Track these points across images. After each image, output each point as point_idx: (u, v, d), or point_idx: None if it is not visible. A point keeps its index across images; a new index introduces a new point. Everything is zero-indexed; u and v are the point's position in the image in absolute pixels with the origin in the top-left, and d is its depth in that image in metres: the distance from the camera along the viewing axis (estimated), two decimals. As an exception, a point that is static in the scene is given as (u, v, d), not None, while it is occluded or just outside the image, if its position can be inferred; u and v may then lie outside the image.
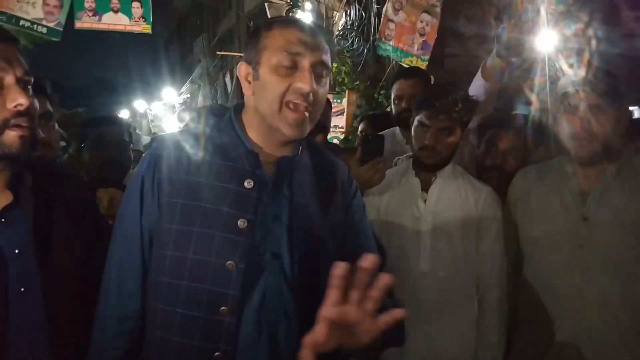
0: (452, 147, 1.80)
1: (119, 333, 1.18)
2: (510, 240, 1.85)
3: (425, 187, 1.84)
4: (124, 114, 20.18)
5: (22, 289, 1.06)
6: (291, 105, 1.14)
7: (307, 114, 1.15)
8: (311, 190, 1.24)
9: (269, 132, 1.20)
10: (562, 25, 2.48)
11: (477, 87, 2.02)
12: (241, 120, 1.24)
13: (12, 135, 1.03)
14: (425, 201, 1.82)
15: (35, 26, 3.99)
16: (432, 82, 2.62)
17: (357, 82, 5.92)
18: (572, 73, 1.79)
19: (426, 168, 1.83)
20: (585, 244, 1.67)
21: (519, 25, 1.90)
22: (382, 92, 5.51)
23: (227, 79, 10.69)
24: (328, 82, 1.21)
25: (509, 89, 2.61)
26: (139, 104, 17.63)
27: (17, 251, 1.07)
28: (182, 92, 13.89)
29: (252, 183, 1.17)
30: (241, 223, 1.14)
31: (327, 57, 1.18)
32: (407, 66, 4.34)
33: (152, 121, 15.72)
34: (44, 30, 4.00)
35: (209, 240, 1.14)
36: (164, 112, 14.06)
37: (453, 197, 1.82)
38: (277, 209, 1.18)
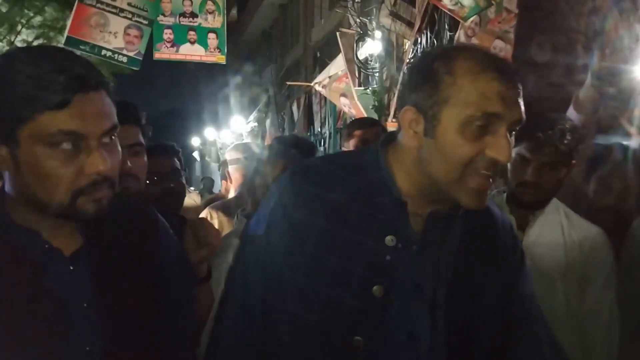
0: (556, 184, 1.60)
1: None
2: (627, 292, 1.61)
3: (522, 227, 1.64)
4: (195, 141, 20.94)
5: (87, 349, 0.93)
6: (477, 175, 0.91)
7: (491, 181, 0.93)
8: (464, 257, 1.00)
9: (432, 189, 0.96)
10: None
11: None
12: (388, 160, 1.00)
13: (86, 201, 0.91)
14: (521, 242, 1.63)
15: (116, 55, 4.15)
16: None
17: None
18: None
19: (525, 206, 1.64)
20: None
21: (614, 54, 1.73)
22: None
23: (295, 107, 10.82)
24: None
25: (604, 121, 2.40)
26: (209, 132, 18.22)
27: (85, 305, 0.94)
28: (249, 121, 14.21)
29: (394, 240, 0.95)
30: (377, 290, 0.94)
31: (523, 109, 0.93)
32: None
33: (220, 149, 16.15)
34: (125, 59, 4.15)
35: (336, 306, 0.95)
36: (232, 140, 14.41)
37: (555, 238, 1.61)
38: (420, 277, 0.97)
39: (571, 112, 1.87)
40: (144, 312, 1.01)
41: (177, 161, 2.05)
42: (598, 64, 1.78)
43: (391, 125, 4.47)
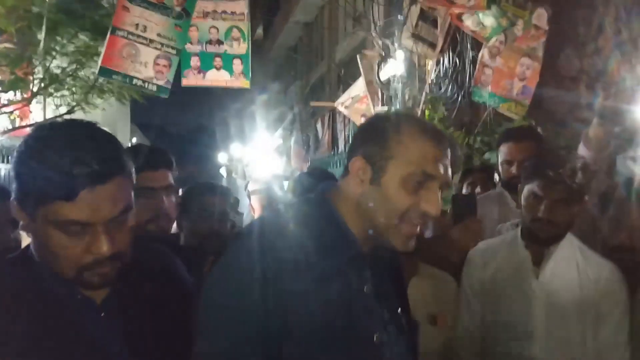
0: (569, 220, 1.62)
1: None
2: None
3: (537, 262, 1.67)
4: (222, 157, 21.23)
5: None
6: (409, 224, 1.03)
7: (419, 228, 1.05)
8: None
9: (369, 233, 1.07)
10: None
11: None
12: (340, 210, 1.07)
13: (91, 275, 0.99)
14: (537, 277, 1.65)
15: (146, 84, 4.30)
16: (544, 144, 2.37)
17: (451, 129, 5.77)
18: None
19: (539, 241, 1.66)
20: None
21: (618, 94, 1.80)
22: (477, 138, 5.33)
23: (319, 125, 10.93)
24: None
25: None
26: (235, 148, 18.48)
27: (117, 348, 1.02)
28: (275, 138, 14.37)
29: (370, 287, 1.06)
30: (377, 338, 1.04)
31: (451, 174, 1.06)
32: (509, 116, 4.10)
33: (246, 165, 16.35)
34: (154, 88, 4.30)
35: None
36: (258, 157, 14.58)
37: (570, 274, 1.63)
38: (384, 309, 1.08)
39: (582, 149, 1.91)
40: (170, 351, 1.09)
41: (228, 202, 2.13)
42: (601, 103, 1.84)
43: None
